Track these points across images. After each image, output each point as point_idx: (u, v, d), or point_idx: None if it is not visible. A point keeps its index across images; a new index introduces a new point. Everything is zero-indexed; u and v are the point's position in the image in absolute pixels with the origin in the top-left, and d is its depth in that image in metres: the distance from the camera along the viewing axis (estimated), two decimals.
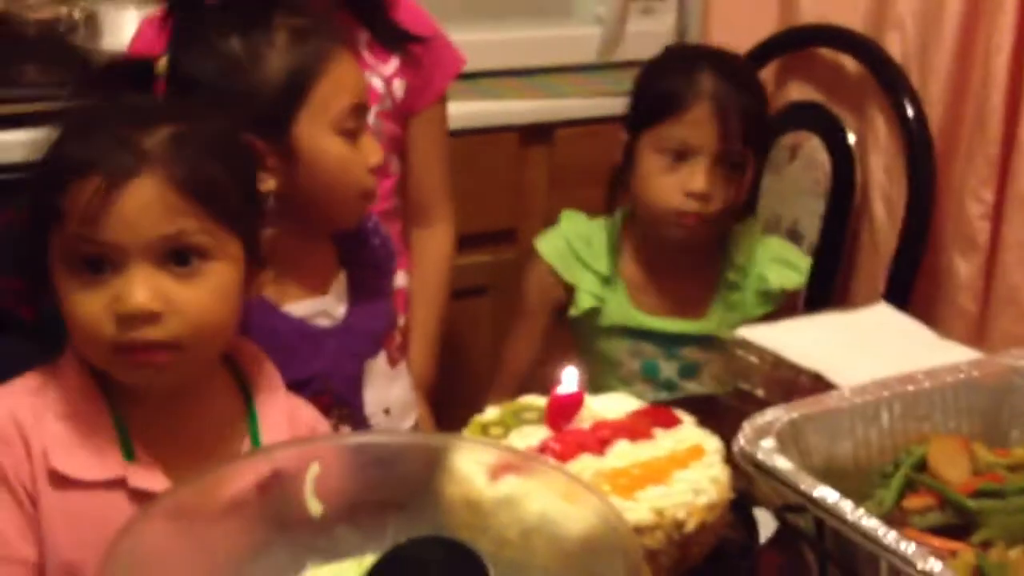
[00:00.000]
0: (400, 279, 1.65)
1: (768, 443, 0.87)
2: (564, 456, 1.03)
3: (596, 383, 1.64)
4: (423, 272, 1.69)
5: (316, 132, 1.21)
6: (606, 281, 1.66)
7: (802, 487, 0.82)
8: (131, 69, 1.16)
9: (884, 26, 1.81)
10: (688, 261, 1.66)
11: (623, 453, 1.04)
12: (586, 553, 0.86)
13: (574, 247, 1.67)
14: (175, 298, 0.95)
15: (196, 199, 0.96)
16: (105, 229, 0.94)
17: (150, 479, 0.99)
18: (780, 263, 1.67)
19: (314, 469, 0.92)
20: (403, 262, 1.68)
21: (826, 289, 1.85)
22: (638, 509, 0.98)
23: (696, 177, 1.55)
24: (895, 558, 0.76)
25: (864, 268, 1.87)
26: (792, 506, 0.86)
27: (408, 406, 1.39)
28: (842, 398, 0.95)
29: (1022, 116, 1.64)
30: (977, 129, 1.68)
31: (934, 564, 0.74)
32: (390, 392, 1.36)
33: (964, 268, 1.71)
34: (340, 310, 1.32)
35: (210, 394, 1.06)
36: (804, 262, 1.71)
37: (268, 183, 1.20)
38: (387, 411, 1.36)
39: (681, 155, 1.56)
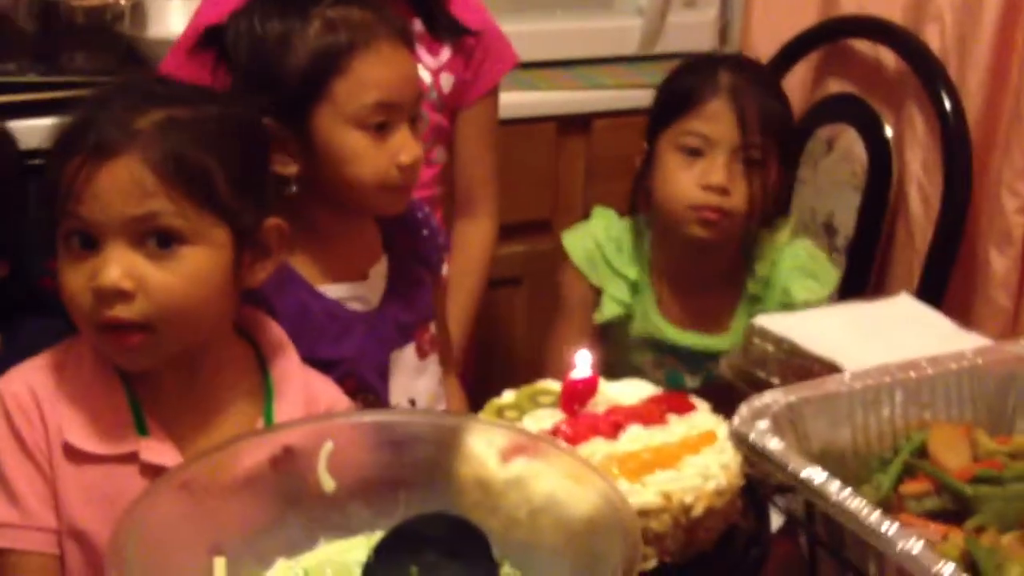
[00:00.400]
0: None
1: (763, 424, 0.88)
2: (576, 439, 1.04)
3: None
4: (463, 261, 1.70)
5: (333, 125, 1.22)
6: (635, 288, 1.65)
7: (790, 467, 0.83)
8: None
9: (923, 18, 1.80)
10: (711, 270, 1.65)
11: (635, 437, 1.05)
12: (590, 533, 0.88)
13: (604, 251, 1.67)
14: (148, 279, 0.97)
15: (174, 183, 0.97)
16: (84, 206, 0.96)
17: (162, 454, 1.02)
18: (804, 274, 1.64)
19: (328, 446, 0.95)
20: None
21: (861, 283, 1.84)
22: (645, 492, 0.99)
23: (714, 171, 1.55)
24: (876, 538, 0.77)
25: (900, 262, 1.85)
26: (783, 487, 0.86)
27: (435, 398, 1.41)
28: (842, 383, 0.95)
29: None
30: (1014, 122, 1.66)
31: (914, 544, 0.75)
32: (417, 383, 1.38)
33: (999, 262, 1.69)
34: (376, 297, 1.33)
35: (226, 371, 1.08)
36: (831, 273, 1.68)
37: (290, 167, 1.23)
38: (412, 401, 1.37)
39: (699, 151, 1.57)
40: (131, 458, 1.02)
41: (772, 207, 1.63)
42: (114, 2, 1.77)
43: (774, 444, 0.85)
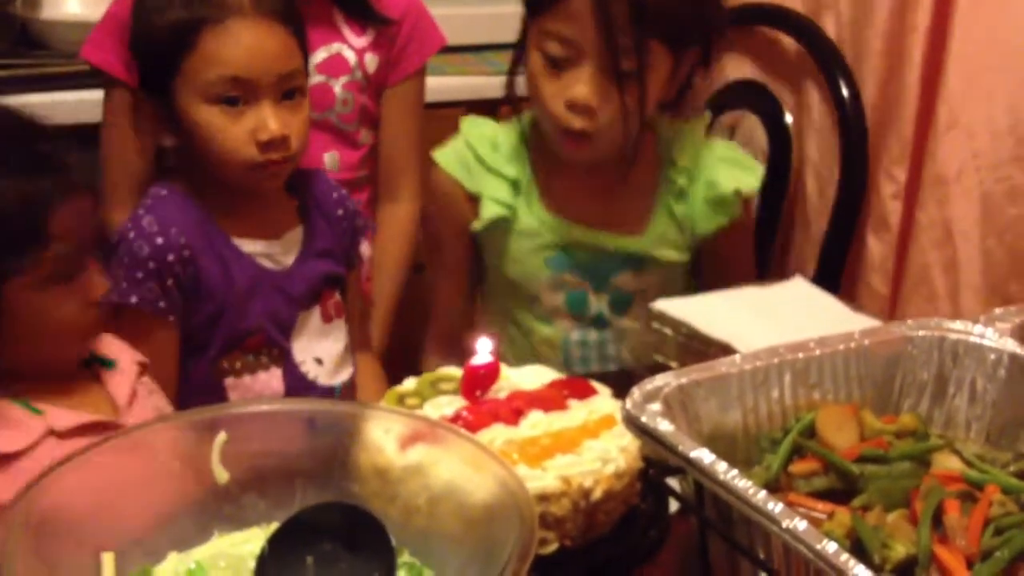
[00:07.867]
0: (365, 249, 1.66)
1: (654, 407, 0.88)
2: (476, 426, 1.04)
3: (517, 323, 1.47)
4: (386, 244, 1.71)
5: (189, 101, 1.26)
6: (515, 187, 1.43)
7: (680, 449, 0.83)
8: None
9: (821, 5, 1.82)
10: (611, 166, 1.40)
11: (536, 423, 1.06)
12: (487, 519, 0.88)
13: (477, 151, 1.44)
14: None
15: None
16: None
17: (66, 417, 1.07)
18: (730, 164, 1.44)
19: (221, 437, 0.94)
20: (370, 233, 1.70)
21: (762, 267, 1.87)
22: (545, 477, 1.00)
23: (578, 85, 1.30)
24: (762, 517, 0.78)
25: (797, 246, 1.88)
26: (673, 468, 0.87)
27: (341, 360, 1.44)
28: (732, 364, 0.96)
29: (940, 97, 1.62)
30: (894, 108, 1.68)
31: (798, 523, 0.76)
32: (321, 344, 1.41)
33: (876, 248, 1.71)
34: (288, 259, 1.37)
35: None
36: (757, 166, 1.50)
37: (167, 140, 1.29)
38: (319, 360, 1.41)
39: (564, 60, 1.32)
40: (47, 435, 1.06)
41: (676, 100, 1.41)
42: None
43: (664, 426, 0.86)
